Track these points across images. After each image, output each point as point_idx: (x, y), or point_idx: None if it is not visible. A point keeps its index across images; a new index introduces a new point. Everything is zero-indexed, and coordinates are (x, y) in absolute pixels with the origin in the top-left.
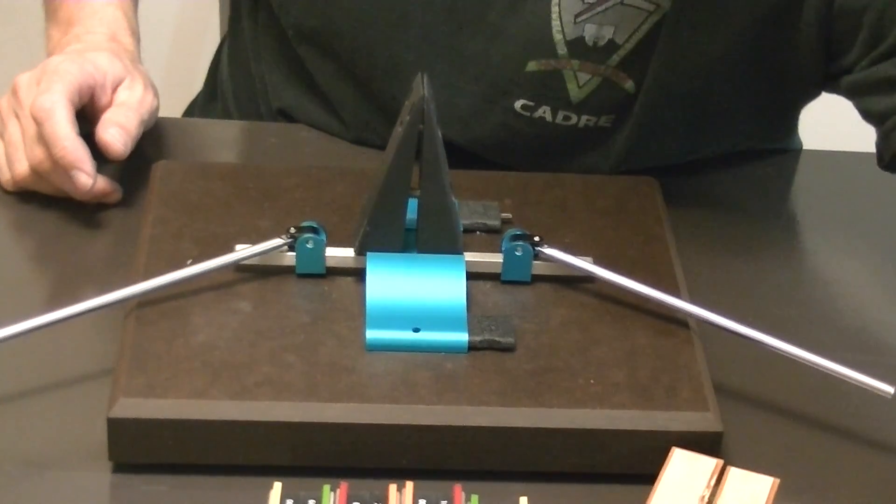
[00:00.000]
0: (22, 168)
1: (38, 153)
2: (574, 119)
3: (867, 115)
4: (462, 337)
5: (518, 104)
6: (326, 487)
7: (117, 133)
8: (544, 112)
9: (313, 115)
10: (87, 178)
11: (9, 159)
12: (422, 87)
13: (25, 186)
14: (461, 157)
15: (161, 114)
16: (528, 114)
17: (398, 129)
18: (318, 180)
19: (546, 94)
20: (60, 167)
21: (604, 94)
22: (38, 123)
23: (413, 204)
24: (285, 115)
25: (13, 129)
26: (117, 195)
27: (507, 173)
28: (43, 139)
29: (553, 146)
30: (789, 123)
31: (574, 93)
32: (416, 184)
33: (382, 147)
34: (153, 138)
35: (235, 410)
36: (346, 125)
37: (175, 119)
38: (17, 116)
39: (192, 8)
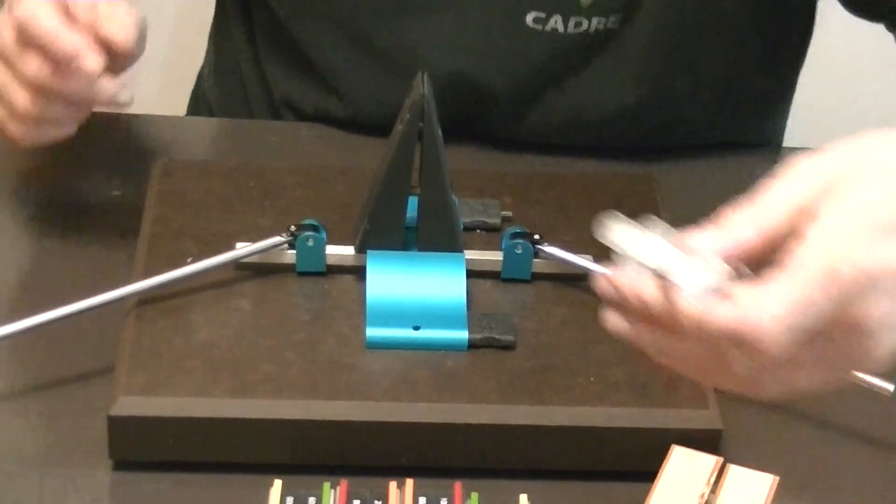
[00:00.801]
0: (21, 97)
1: (32, 64)
2: (585, 24)
3: None
4: (462, 335)
5: (530, 18)
6: (327, 485)
7: (118, 28)
8: (556, 23)
9: (311, 97)
10: (94, 58)
11: (6, 101)
12: (422, 85)
13: (34, 127)
14: (475, 104)
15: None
16: (541, 27)
17: (398, 128)
18: (319, 179)
19: (556, 3)
20: (61, 65)
21: None
22: (23, 32)
23: (413, 202)
24: (287, 106)
25: (1, 73)
26: (129, 96)
27: (508, 171)
28: (33, 46)
29: (565, 63)
30: (791, 66)
31: None
32: (416, 182)
33: (381, 121)
34: (153, 138)
35: (236, 408)
36: (344, 101)
37: (175, 118)
38: (2, 62)
39: (190, 9)
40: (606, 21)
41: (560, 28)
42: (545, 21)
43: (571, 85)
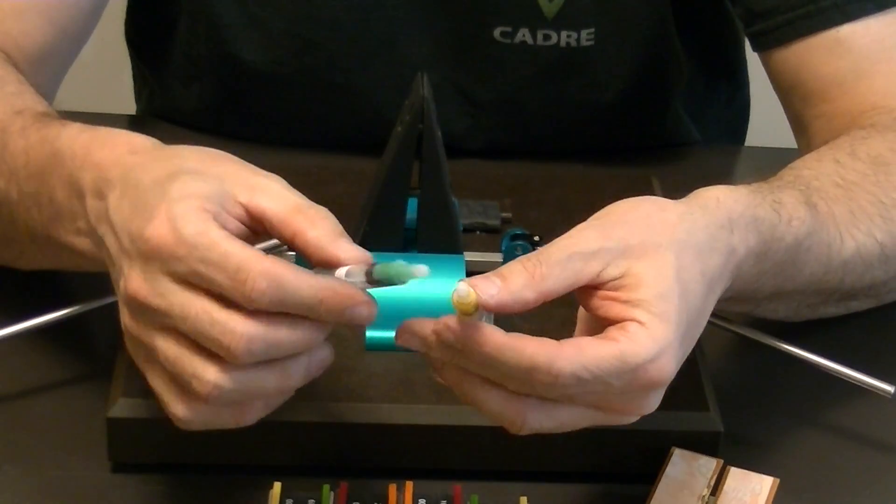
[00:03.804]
0: (206, 370)
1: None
2: (554, 38)
3: None
4: None
5: (497, 32)
6: (326, 487)
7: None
8: (524, 35)
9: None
10: (369, 303)
11: (168, 375)
12: (421, 87)
13: (223, 410)
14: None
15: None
16: (509, 41)
17: (398, 129)
18: (318, 180)
19: (520, 15)
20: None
21: (576, 5)
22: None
23: (413, 203)
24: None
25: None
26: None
27: (507, 173)
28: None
29: (539, 76)
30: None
31: (546, 7)
32: (415, 183)
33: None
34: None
35: None
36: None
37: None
38: (163, 330)
39: None
40: (578, 36)
41: (529, 41)
42: (512, 35)
43: (553, 96)
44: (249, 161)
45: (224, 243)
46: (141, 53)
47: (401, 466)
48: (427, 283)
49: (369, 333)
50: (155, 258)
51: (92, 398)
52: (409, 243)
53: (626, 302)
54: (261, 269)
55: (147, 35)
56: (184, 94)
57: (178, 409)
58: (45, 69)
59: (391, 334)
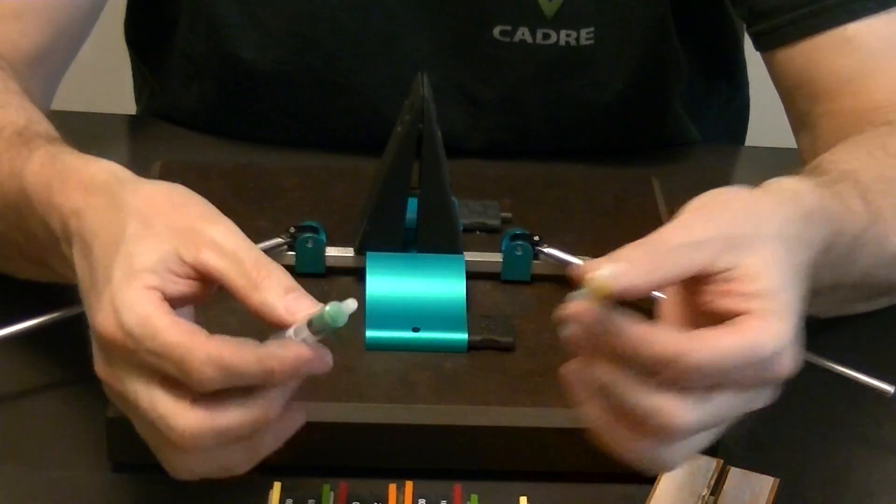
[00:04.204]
0: (184, 418)
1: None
2: (553, 37)
3: None
4: (462, 336)
5: (496, 31)
6: (326, 487)
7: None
8: (523, 34)
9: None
10: (319, 357)
11: (150, 425)
12: (421, 86)
13: (219, 456)
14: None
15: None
16: (508, 40)
17: (398, 129)
18: (318, 180)
19: (520, 14)
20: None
21: (576, 4)
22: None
23: (413, 203)
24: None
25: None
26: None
27: (507, 173)
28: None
29: (539, 75)
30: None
31: (545, 6)
32: (415, 183)
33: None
34: (152, 138)
35: None
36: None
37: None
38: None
39: None
40: (577, 35)
41: (528, 39)
42: (512, 34)
43: (553, 95)
44: (249, 161)
45: (166, 333)
46: (141, 53)
47: (401, 466)
48: (427, 283)
49: (369, 333)
50: (109, 347)
51: (92, 398)
52: (409, 243)
53: (743, 294)
54: (204, 357)
55: (147, 35)
56: (184, 94)
57: (168, 467)
58: (44, 69)
59: (391, 334)
